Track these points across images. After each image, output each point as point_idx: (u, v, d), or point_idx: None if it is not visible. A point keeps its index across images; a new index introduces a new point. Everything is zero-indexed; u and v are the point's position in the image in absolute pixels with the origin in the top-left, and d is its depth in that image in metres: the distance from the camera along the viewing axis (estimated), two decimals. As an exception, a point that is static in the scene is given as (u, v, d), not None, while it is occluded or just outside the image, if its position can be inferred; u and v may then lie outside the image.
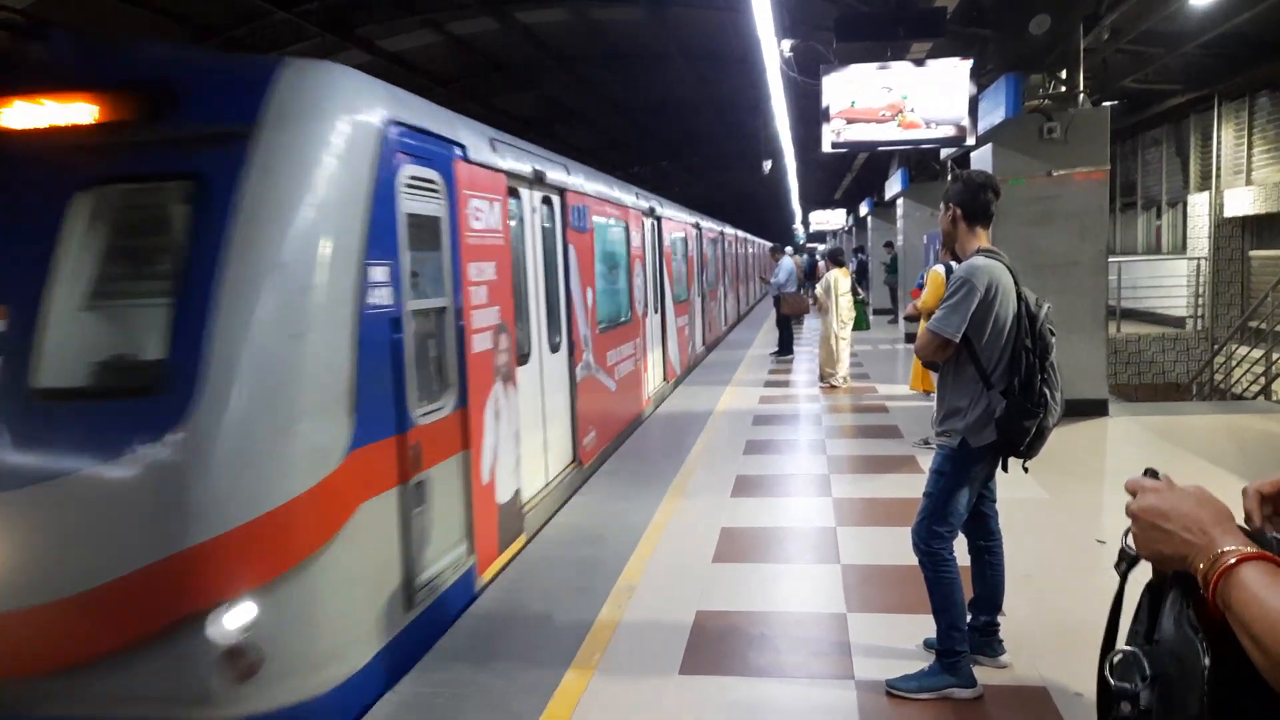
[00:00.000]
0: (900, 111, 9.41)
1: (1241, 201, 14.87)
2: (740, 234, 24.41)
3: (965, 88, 9.22)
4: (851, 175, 26.89)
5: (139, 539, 3.14)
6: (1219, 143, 15.64)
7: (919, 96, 9.38)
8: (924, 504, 3.63)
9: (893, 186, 19.17)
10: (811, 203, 38.08)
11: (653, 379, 10.68)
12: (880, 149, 12.81)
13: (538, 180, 6.25)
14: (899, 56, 9.99)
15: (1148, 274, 17.18)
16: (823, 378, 11.77)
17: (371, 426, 3.64)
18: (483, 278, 4.86)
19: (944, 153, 12.63)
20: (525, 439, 5.65)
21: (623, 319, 9.01)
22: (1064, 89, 9.05)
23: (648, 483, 6.97)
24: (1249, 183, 14.87)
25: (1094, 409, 8.93)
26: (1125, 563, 1.26)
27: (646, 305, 10.33)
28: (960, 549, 3.66)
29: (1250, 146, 14.90)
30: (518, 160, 5.75)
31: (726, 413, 10.03)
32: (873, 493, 6.56)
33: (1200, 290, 15.88)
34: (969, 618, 3.70)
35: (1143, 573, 1.28)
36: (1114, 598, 1.32)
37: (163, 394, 3.22)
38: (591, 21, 15.07)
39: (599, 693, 3.69)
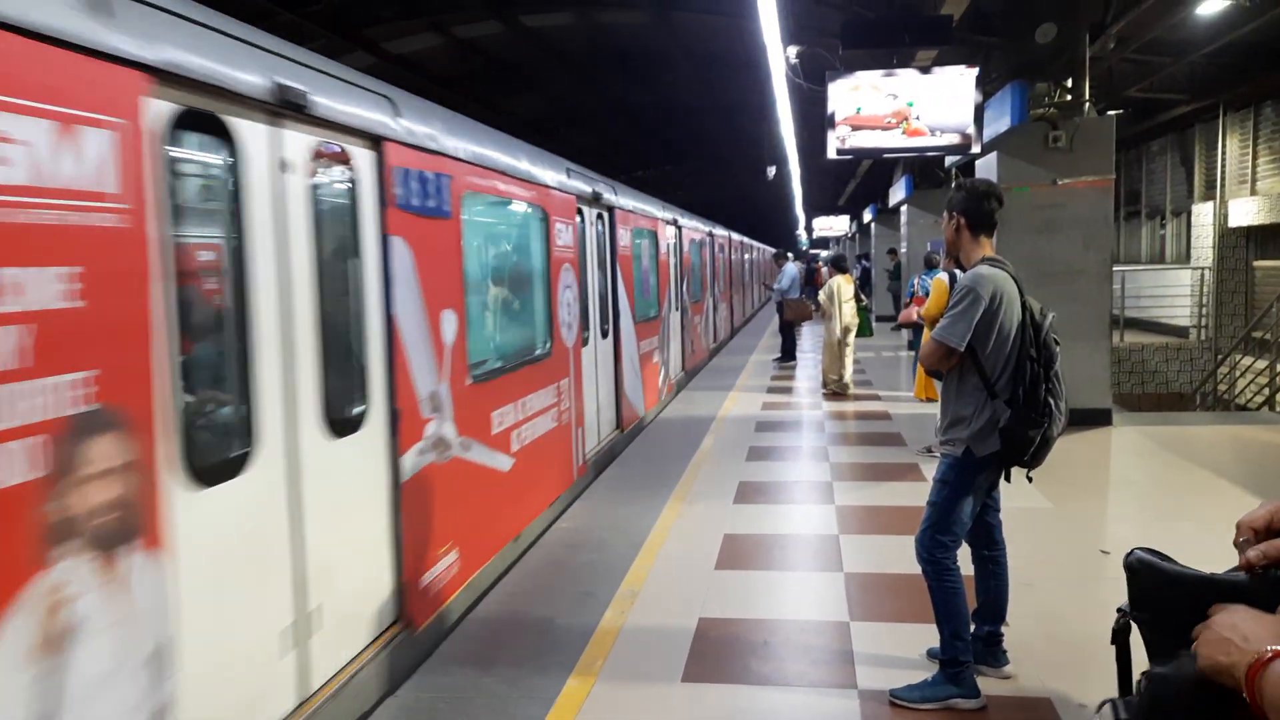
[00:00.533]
0: (905, 119, 9.42)
1: (1246, 211, 14.86)
2: (741, 238, 24.19)
3: (971, 95, 9.24)
4: (856, 181, 26.94)
5: None
6: (1224, 152, 15.63)
7: (924, 104, 9.40)
8: (928, 513, 3.62)
9: (897, 193, 19.20)
10: (815, 209, 38.12)
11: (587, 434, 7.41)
12: (885, 156, 12.82)
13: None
14: (905, 64, 10.00)
15: (1152, 283, 17.18)
16: (825, 384, 11.77)
17: None
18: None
19: (949, 160, 12.64)
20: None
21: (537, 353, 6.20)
22: (1069, 97, 9.05)
23: (650, 488, 6.96)
24: (1254, 193, 14.86)
25: (1098, 418, 8.91)
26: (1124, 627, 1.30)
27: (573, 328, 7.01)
28: (964, 558, 3.65)
29: (1255, 156, 14.89)
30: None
31: (729, 418, 10.02)
32: (876, 500, 6.54)
33: (1204, 300, 15.86)
34: (972, 627, 3.69)
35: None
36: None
37: None
38: (596, 25, 15.09)
39: (601, 699, 3.68)
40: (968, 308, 3.45)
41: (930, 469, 4.03)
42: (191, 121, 2.83)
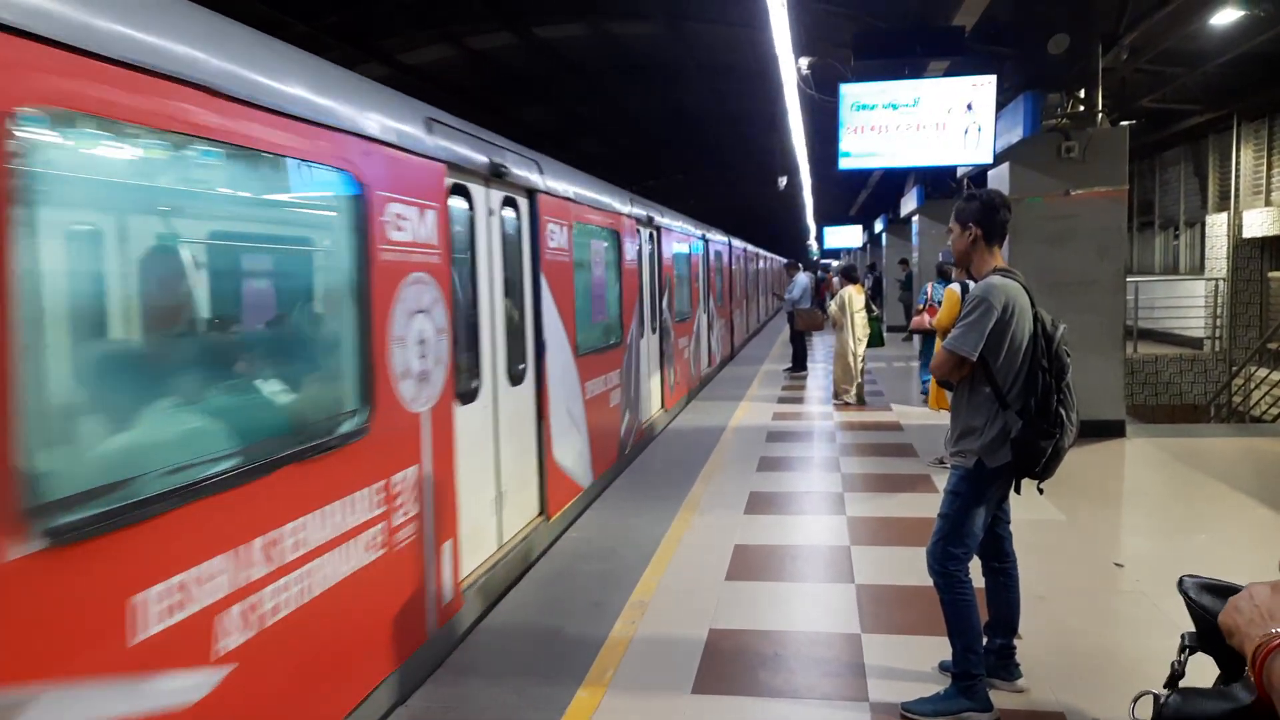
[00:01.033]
0: (918, 128, 9.40)
1: (1260, 222, 14.77)
2: (745, 245, 23.32)
3: (988, 104, 9.20)
4: (867, 191, 26.90)
5: None
6: (1238, 163, 15.56)
7: (937, 113, 9.37)
8: (939, 524, 3.61)
9: (908, 204, 19.17)
10: (826, 218, 38.09)
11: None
12: (896, 167, 12.81)
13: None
14: (917, 74, 10.00)
15: (1165, 294, 17.08)
16: (837, 394, 11.74)
17: None
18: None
19: (960, 171, 12.62)
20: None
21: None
22: (1082, 108, 9.04)
23: (661, 498, 6.95)
24: (1268, 203, 14.78)
25: (1111, 430, 8.86)
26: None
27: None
28: (975, 571, 3.64)
29: (1270, 167, 14.82)
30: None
31: (740, 428, 10.01)
32: (887, 512, 6.52)
33: (1218, 311, 15.76)
34: (985, 640, 3.67)
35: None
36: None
37: None
38: (609, 36, 15.16)
39: (611, 710, 3.67)
40: (980, 317, 3.45)
41: (942, 480, 4.02)
42: (454, 189, 4.59)
